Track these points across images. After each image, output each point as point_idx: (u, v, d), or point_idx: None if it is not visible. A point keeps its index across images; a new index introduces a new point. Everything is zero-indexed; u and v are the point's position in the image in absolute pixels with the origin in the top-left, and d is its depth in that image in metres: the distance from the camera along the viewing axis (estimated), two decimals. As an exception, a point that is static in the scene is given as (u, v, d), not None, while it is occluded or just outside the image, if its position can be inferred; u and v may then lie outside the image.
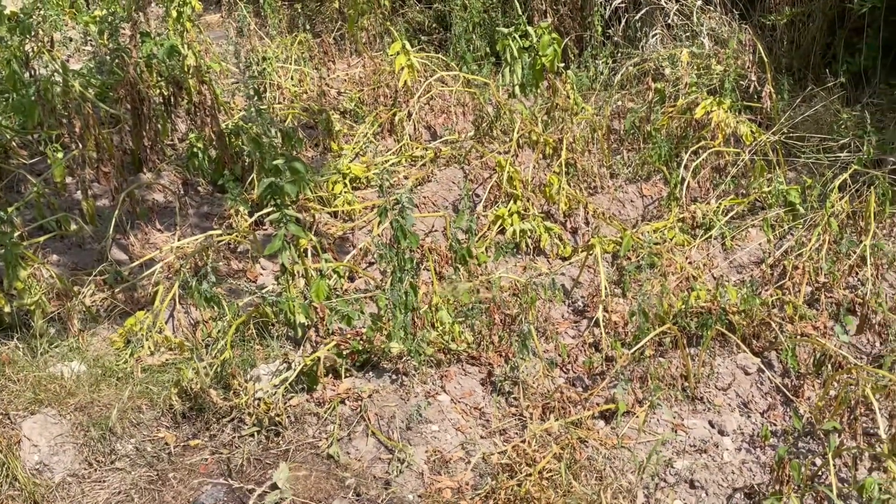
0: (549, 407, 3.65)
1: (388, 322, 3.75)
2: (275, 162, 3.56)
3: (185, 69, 5.17)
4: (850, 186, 4.80)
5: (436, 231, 5.00)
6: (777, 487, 2.97)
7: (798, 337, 3.98)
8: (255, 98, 5.04)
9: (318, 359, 3.69)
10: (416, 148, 5.61)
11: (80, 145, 4.87)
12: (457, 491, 3.32)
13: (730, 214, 4.95)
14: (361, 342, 3.87)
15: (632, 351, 3.83)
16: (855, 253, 4.37)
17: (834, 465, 3.34)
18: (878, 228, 4.61)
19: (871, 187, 4.62)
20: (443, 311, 4.05)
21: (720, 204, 5.00)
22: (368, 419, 3.60)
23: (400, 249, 3.52)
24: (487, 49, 6.50)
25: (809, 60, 5.84)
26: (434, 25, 7.33)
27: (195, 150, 5.21)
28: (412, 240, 3.48)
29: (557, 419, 3.58)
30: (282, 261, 3.68)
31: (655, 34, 5.96)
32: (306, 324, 3.79)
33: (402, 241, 3.48)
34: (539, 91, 5.75)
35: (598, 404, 3.74)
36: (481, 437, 3.60)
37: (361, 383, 3.80)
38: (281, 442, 3.53)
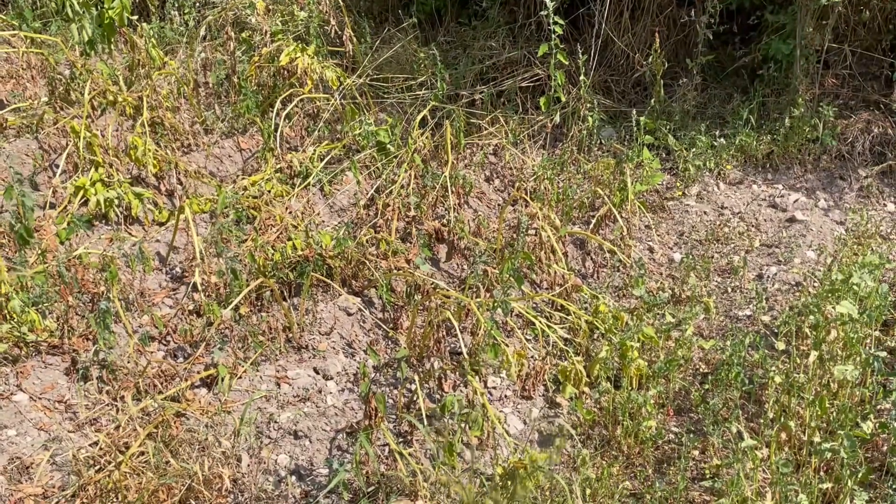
0: (143, 385, 3.42)
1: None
2: None
3: None
4: (430, 122, 5.04)
5: (6, 212, 4.43)
6: (367, 422, 3.04)
7: (392, 271, 4.12)
8: None
9: None
10: (-23, 121, 4.92)
11: None
12: (41, 497, 2.99)
13: (326, 160, 4.98)
14: None
15: (225, 311, 3.71)
16: (439, 184, 4.61)
17: (427, 388, 3.53)
18: (458, 159, 4.91)
19: (449, 121, 4.89)
20: (14, 300, 3.60)
21: (316, 150, 5.00)
22: (-77, 440, 3.10)
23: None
24: (54, 5, 5.85)
25: (388, 3, 6.03)
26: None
27: None
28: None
29: (153, 397, 3.36)
30: None
31: (234, -19, 5.76)
32: None
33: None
34: (114, 47, 5.31)
35: (198, 373, 3.58)
36: (70, 432, 3.28)
37: (-87, 400, 3.26)
38: None
